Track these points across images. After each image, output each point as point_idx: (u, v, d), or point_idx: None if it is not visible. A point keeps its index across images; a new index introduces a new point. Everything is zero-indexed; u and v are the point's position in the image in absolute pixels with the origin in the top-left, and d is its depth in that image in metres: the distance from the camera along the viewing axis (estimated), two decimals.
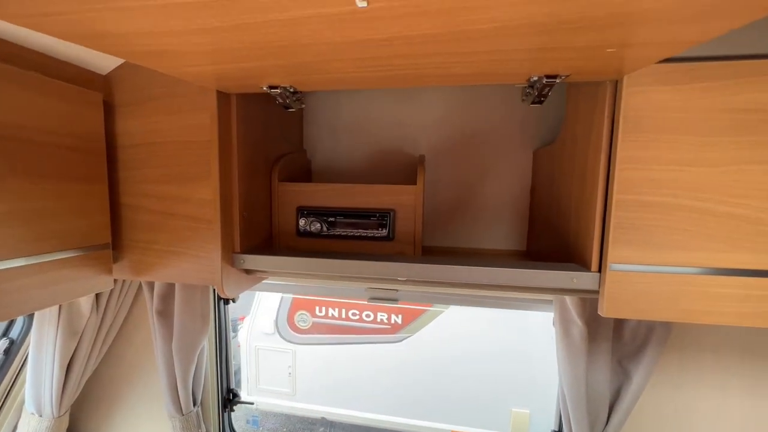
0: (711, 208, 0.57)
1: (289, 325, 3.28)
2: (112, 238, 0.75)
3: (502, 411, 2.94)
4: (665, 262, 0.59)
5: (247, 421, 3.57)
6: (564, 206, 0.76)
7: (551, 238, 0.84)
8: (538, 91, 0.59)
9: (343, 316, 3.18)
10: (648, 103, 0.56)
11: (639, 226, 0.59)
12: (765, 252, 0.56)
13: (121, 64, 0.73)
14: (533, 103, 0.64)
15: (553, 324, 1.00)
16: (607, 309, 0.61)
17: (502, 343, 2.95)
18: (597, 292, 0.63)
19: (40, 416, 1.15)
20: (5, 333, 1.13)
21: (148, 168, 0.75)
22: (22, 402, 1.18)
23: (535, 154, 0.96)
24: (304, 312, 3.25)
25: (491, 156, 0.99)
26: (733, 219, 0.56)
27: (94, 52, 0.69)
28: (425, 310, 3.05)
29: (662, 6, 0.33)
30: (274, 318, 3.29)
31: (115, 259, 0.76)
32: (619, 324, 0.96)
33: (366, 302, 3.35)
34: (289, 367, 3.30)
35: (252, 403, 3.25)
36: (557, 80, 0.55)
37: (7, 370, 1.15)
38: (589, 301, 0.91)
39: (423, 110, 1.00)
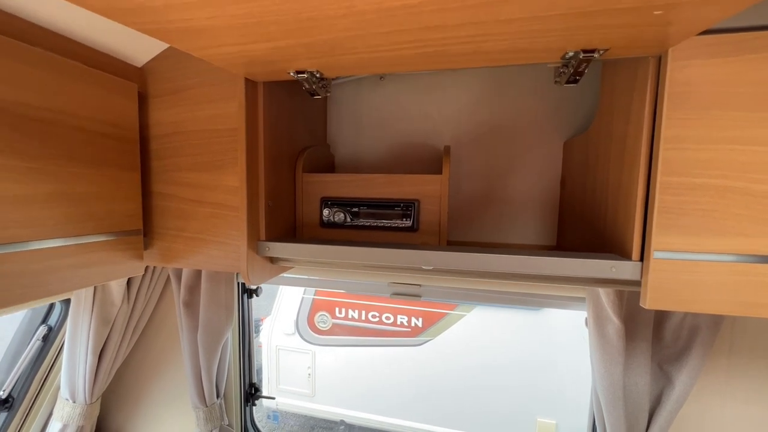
0: (767, 190, 0.52)
1: (309, 325, 3.30)
2: (144, 225, 0.77)
3: (527, 421, 2.82)
4: (716, 250, 0.54)
5: (268, 416, 3.60)
6: (599, 196, 0.72)
7: (584, 231, 0.80)
8: (574, 69, 0.56)
9: (363, 317, 3.16)
10: (695, 78, 0.52)
11: (686, 210, 0.55)
12: None
13: (155, 57, 0.76)
14: (568, 82, 0.61)
15: (586, 323, 0.95)
16: (651, 300, 0.56)
17: (526, 350, 2.85)
18: (638, 282, 0.59)
19: (74, 402, 1.20)
20: (44, 320, 1.18)
21: (179, 157, 0.77)
22: (58, 388, 1.23)
23: (566, 145, 0.92)
24: (324, 313, 3.26)
25: (519, 147, 0.96)
26: None
27: (132, 44, 0.72)
28: (446, 314, 2.99)
29: None
30: (295, 318, 3.32)
31: (146, 246, 0.78)
32: (659, 324, 0.90)
33: (386, 304, 3.32)
34: (309, 368, 3.31)
35: (273, 398, 3.28)
36: (595, 55, 0.52)
37: (45, 356, 1.20)
38: (626, 297, 0.85)
39: (447, 101, 0.99)
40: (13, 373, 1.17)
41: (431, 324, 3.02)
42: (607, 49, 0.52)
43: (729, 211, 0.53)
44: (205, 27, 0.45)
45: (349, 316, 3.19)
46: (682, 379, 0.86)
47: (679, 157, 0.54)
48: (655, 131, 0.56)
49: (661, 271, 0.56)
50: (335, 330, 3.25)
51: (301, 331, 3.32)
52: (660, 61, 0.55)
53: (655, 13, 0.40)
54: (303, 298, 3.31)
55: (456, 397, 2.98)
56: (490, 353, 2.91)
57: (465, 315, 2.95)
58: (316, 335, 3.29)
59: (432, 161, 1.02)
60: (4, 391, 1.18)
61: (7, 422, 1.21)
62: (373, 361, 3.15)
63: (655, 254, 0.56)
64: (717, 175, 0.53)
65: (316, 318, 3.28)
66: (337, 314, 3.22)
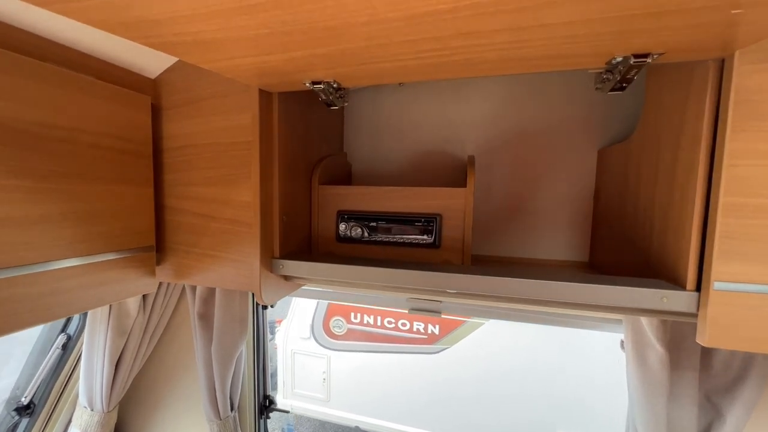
0: None
1: (324, 330, 3.28)
2: (156, 241, 0.75)
3: None
4: None
5: (282, 430, 3.60)
6: (643, 213, 0.65)
7: (623, 250, 0.73)
8: (622, 75, 0.50)
9: (379, 323, 3.12)
10: (767, 85, 0.45)
11: (752, 236, 0.47)
12: None
13: (169, 68, 0.74)
14: (613, 90, 0.55)
15: (622, 346, 0.88)
16: (710, 337, 0.49)
17: (546, 359, 2.74)
18: (694, 315, 0.52)
19: (92, 410, 1.20)
20: (64, 329, 1.19)
21: (192, 170, 0.74)
22: (77, 396, 1.24)
23: (601, 154, 0.85)
24: (339, 318, 3.24)
25: (548, 155, 0.89)
26: None
27: (145, 55, 0.70)
28: (464, 321, 2.91)
29: None
30: (310, 323, 3.31)
31: (158, 262, 0.76)
32: (707, 351, 0.81)
33: (402, 310, 3.27)
34: (324, 372, 3.29)
35: (288, 411, 3.27)
36: (648, 60, 0.46)
37: (65, 364, 1.21)
38: (670, 321, 0.77)
39: (471, 107, 0.93)
40: (34, 380, 1.18)
41: (449, 332, 2.94)
42: (662, 53, 0.46)
43: None
44: (214, 39, 0.41)
45: (365, 322, 3.16)
46: (734, 412, 0.78)
47: (746, 175, 0.47)
48: (717, 145, 0.49)
49: (723, 305, 0.49)
50: (350, 335, 3.22)
51: (316, 335, 3.30)
52: (723, 65, 0.48)
53: (734, 12, 0.34)
54: (318, 302, 3.30)
55: (473, 407, 2.90)
56: (509, 362, 2.82)
57: (483, 323, 2.86)
58: (332, 340, 3.27)
59: (455, 170, 0.96)
60: (26, 397, 1.19)
61: (29, 427, 1.22)
62: (389, 368, 3.10)
63: (716, 285, 0.49)
64: None
65: (332, 323, 3.26)
66: (353, 319, 3.19)
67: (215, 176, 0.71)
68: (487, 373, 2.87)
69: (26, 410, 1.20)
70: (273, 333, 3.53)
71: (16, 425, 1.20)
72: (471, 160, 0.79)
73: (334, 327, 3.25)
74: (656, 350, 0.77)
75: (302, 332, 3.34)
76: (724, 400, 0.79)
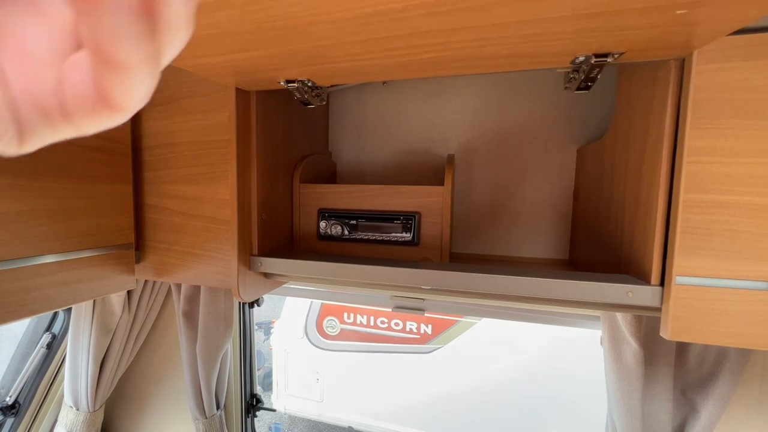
0: None
1: (317, 330, 3.29)
2: (136, 239, 0.75)
3: None
4: (747, 276, 0.48)
5: (270, 428, 3.59)
6: (615, 209, 0.67)
7: (599, 246, 0.74)
8: (585, 75, 0.51)
9: (372, 324, 3.13)
10: (724, 84, 0.47)
11: (713, 231, 0.49)
12: None
13: None
14: (579, 89, 0.56)
15: (601, 343, 0.89)
16: (672, 331, 0.50)
17: (541, 359, 2.75)
18: (658, 309, 0.53)
19: (77, 410, 1.20)
20: (48, 328, 1.19)
21: (171, 168, 0.75)
22: (63, 395, 1.23)
23: (580, 153, 0.87)
24: (332, 318, 3.24)
25: (529, 155, 0.91)
26: None
27: None
28: (456, 321, 2.92)
29: None
30: (304, 323, 3.31)
31: (138, 260, 0.77)
32: (682, 347, 0.83)
33: (386, 309, 3.28)
34: (317, 372, 3.29)
35: (274, 410, 3.26)
36: (609, 59, 0.47)
37: (50, 364, 1.21)
38: (645, 318, 0.79)
39: (453, 107, 0.94)
40: (18, 380, 1.18)
41: (441, 331, 2.95)
42: (622, 53, 0.47)
43: (762, 232, 0.47)
44: None
45: (358, 322, 3.16)
46: (708, 407, 0.79)
47: (705, 172, 0.48)
48: (678, 143, 0.50)
49: (684, 299, 0.50)
50: (344, 335, 3.22)
51: (309, 335, 3.30)
52: (683, 65, 0.49)
53: (678, 12, 0.35)
54: (312, 302, 3.30)
55: (466, 406, 2.91)
56: (502, 361, 2.84)
57: (476, 323, 2.88)
58: (325, 340, 3.27)
59: (438, 170, 0.97)
60: (10, 397, 1.19)
61: (15, 427, 1.22)
62: (381, 368, 3.11)
63: (678, 279, 0.50)
64: (749, 192, 0.47)
65: (325, 323, 3.26)
66: (346, 320, 3.20)
67: (194, 174, 0.72)
68: (480, 372, 2.89)
69: (11, 410, 1.19)
70: (268, 334, 3.52)
71: (1, 425, 1.20)
72: (450, 159, 0.80)
73: (327, 327, 3.25)
74: (631, 346, 0.79)
75: (296, 332, 3.34)
76: (699, 395, 0.80)
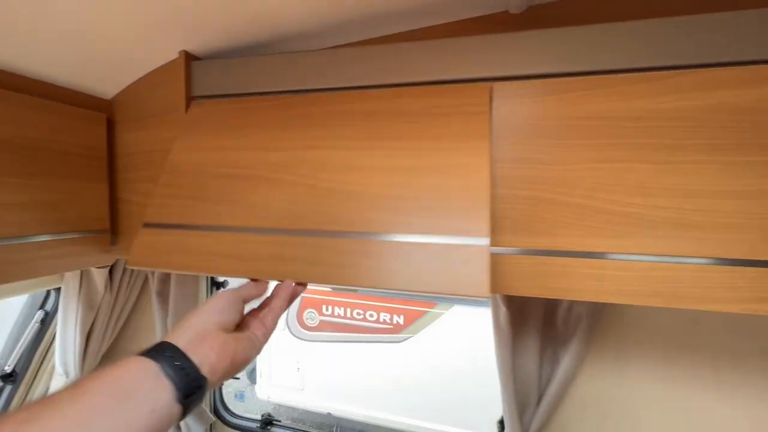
0: (567, 200, 0.67)
1: (298, 322, 3.49)
2: (111, 225, 0.95)
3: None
4: (531, 246, 0.69)
5: (235, 396, 3.83)
6: None
7: None
8: None
9: (348, 315, 3.33)
10: (513, 113, 0.68)
11: (508, 215, 0.70)
12: (611, 237, 0.65)
13: (121, 91, 0.95)
14: None
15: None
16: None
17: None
18: None
19: (67, 378, 1.40)
20: (42, 306, 1.39)
21: (140, 171, 0.95)
22: (54, 365, 1.43)
23: None
24: (312, 310, 3.44)
25: None
26: (585, 209, 0.66)
27: (103, 82, 0.91)
28: (426, 311, 3.14)
29: None
30: (285, 315, 3.51)
31: (114, 242, 0.97)
32: (552, 312, 1.04)
33: (371, 302, 3.45)
34: (298, 362, 3.49)
35: (238, 378, 3.48)
36: None
37: (43, 337, 1.40)
38: None
39: None
40: (16, 352, 1.38)
41: (412, 321, 3.16)
42: None
43: (540, 216, 0.68)
44: None
45: (335, 314, 3.37)
46: (566, 360, 1.01)
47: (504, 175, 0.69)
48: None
49: (498, 264, 0.71)
50: (323, 326, 3.43)
51: (290, 327, 3.50)
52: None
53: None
54: None
55: (436, 392, 3.11)
56: (470, 349, 3.04)
57: (443, 313, 3.09)
58: (305, 331, 3.47)
59: None
60: (9, 366, 1.38)
61: (12, 393, 1.41)
62: (358, 357, 3.32)
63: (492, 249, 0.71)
64: (534, 188, 0.68)
65: (305, 315, 3.46)
66: (324, 311, 3.40)
67: (154, 175, 0.92)
68: (449, 359, 3.09)
69: (9, 377, 1.39)
70: None
71: (1, 390, 1.39)
72: None
73: (307, 319, 3.45)
74: (503, 310, 1.00)
75: (278, 324, 3.54)
76: (561, 350, 1.02)
